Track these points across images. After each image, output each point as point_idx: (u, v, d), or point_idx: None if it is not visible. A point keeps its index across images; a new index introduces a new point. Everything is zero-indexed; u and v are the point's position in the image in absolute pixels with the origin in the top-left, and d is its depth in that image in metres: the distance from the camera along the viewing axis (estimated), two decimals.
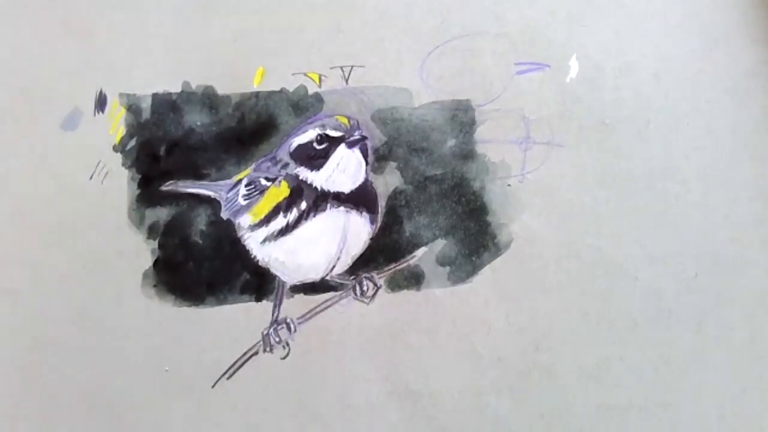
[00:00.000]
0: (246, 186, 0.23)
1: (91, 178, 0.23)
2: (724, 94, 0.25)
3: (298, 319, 0.23)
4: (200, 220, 0.23)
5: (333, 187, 0.23)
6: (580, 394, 0.23)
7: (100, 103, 0.23)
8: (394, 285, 0.23)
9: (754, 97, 0.25)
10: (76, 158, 0.23)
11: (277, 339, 0.23)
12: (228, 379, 0.22)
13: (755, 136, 0.25)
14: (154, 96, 0.23)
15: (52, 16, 0.23)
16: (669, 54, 0.25)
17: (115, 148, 0.23)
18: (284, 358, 0.23)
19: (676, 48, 0.25)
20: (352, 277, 0.23)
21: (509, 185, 0.24)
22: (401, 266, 0.23)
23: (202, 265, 0.23)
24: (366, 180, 0.23)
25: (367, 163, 0.23)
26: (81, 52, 0.23)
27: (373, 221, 0.23)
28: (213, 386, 0.22)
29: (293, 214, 0.23)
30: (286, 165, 0.23)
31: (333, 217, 0.23)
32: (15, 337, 0.23)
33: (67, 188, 0.23)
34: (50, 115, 0.23)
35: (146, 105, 0.23)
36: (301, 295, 0.23)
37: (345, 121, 0.23)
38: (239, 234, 0.23)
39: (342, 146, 0.23)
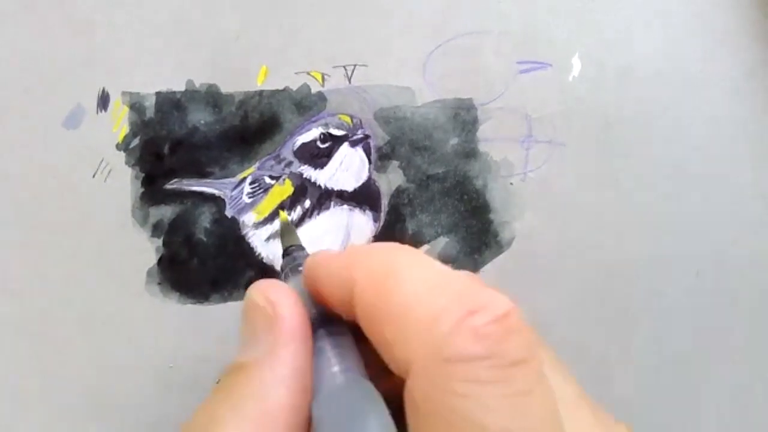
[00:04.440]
0: (250, 184, 0.24)
1: (93, 176, 0.24)
2: (727, 94, 0.26)
3: None
4: (204, 218, 0.24)
5: (336, 186, 0.24)
6: None
7: (103, 101, 0.24)
8: None
9: (757, 97, 0.26)
10: (79, 157, 0.24)
11: None
12: None
13: (758, 136, 0.26)
14: (158, 94, 0.24)
15: (54, 13, 0.24)
16: (672, 53, 0.26)
17: (118, 147, 0.24)
18: None
19: (679, 48, 0.26)
20: None
21: (511, 184, 0.25)
22: None
23: (206, 263, 0.24)
24: (369, 178, 0.25)
25: (369, 162, 0.25)
26: (83, 50, 0.24)
27: (376, 219, 0.25)
28: (217, 382, 0.24)
29: (297, 212, 0.24)
30: (290, 163, 0.24)
31: (336, 215, 0.24)
32: (17, 336, 0.24)
33: (70, 187, 0.24)
34: (52, 113, 0.24)
35: (150, 103, 0.24)
36: None
37: (348, 119, 0.25)
38: (243, 232, 0.24)
39: (345, 145, 0.24)
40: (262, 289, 0.15)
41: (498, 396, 0.11)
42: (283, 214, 0.24)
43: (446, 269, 0.13)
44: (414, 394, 0.12)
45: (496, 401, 0.11)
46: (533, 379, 0.11)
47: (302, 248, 0.20)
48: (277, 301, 0.15)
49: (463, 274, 0.14)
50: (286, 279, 0.18)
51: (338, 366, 0.14)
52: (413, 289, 0.13)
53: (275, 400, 0.14)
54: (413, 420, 0.12)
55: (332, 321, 0.15)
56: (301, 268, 0.17)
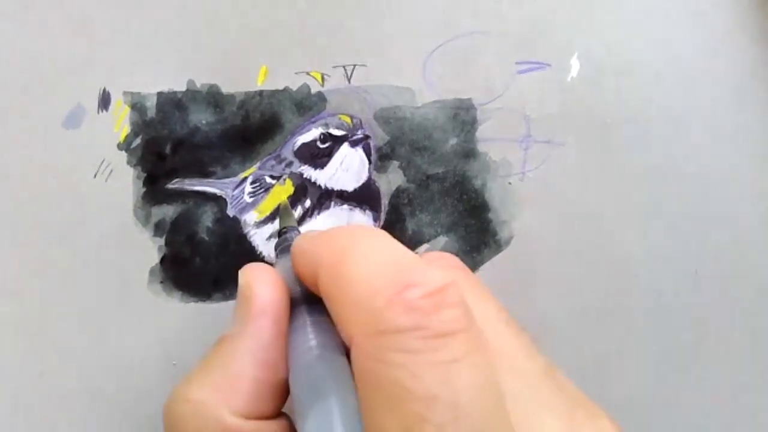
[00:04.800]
0: (251, 184, 0.25)
1: (94, 176, 0.25)
2: (726, 94, 0.26)
3: None
4: (206, 218, 0.25)
5: (336, 186, 0.25)
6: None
7: (104, 101, 0.25)
8: None
9: (757, 97, 0.26)
10: (79, 157, 0.24)
11: None
12: None
13: (758, 136, 0.26)
14: (159, 94, 0.25)
15: (54, 13, 0.25)
16: (671, 53, 0.26)
17: (119, 147, 0.25)
18: None
19: (678, 47, 0.26)
20: None
21: (510, 183, 0.26)
22: None
23: (208, 262, 0.25)
24: (369, 178, 0.25)
25: (370, 162, 0.25)
26: (83, 50, 0.25)
27: (376, 219, 0.25)
28: None
29: (298, 211, 0.25)
30: (290, 163, 0.25)
31: (337, 215, 0.25)
32: (18, 335, 0.24)
33: (71, 187, 0.24)
34: (52, 113, 0.24)
35: (151, 103, 0.25)
36: None
37: (348, 120, 0.25)
38: (245, 231, 0.25)
39: (345, 145, 0.25)
40: (244, 271, 0.17)
41: (425, 364, 0.12)
42: (285, 198, 0.25)
43: (401, 251, 0.14)
44: (355, 365, 0.13)
45: (423, 369, 0.12)
46: (463, 349, 0.12)
47: (296, 229, 0.20)
48: (253, 281, 0.16)
49: (413, 255, 0.14)
50: (277, 258, 0.19)
51: (315, 341, 0.15)
52: (361, 270, 0.14)
53: (238, 369, 0.15)
54: (358, 390, 0.13)
55: (316, 299, 0.16)
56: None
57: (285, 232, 0.21)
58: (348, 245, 0.14)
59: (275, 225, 0.25)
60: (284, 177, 0.25)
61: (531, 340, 0.16)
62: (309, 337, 0.15)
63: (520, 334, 0.16)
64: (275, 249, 0.20)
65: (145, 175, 0.25)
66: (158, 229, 0.25)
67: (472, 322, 0.13)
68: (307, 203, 0.25)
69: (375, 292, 0.13)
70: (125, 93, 0.25)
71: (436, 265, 0.17)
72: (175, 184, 0.25)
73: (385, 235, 0.15)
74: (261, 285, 0.16)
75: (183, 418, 0.15)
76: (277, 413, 0.16)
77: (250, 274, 0.17)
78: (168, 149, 0.25)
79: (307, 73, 0.25)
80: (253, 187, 0.25)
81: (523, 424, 0.13)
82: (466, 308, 0.13)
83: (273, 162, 0.25)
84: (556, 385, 0.15)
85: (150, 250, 0.25)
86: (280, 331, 0.16)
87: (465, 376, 0.12)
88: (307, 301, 0.16)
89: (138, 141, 0.25)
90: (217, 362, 0.16)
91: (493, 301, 0.16)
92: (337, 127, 0.25)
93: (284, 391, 0.16)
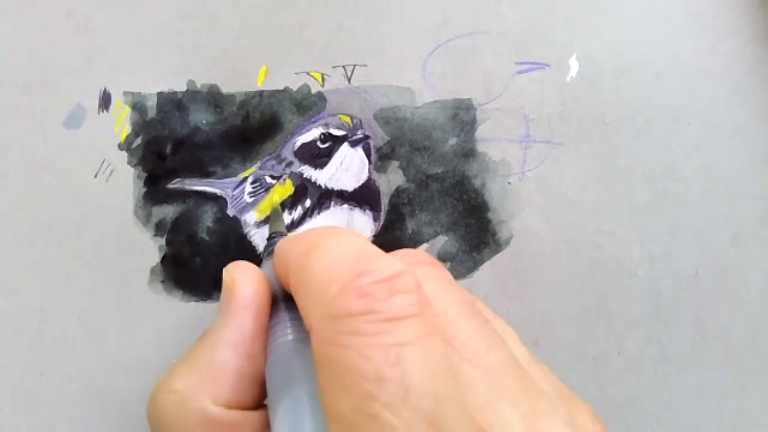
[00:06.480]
0: (251, 183, 0.25)
1: (95, 176, 0.25)
2: (725, 94, 0.26)
3: None
4: (207, 217, 0.26)
5: (336, 185, 0.26)
6: (578, 389, 0.25)
7: (104, 101, 0.25)
8: None
9: (756, 96, 0.26)
10: (80, 157, 0.25)
11: None
12: None
13: (757, 135, 0.27)
14: (160, 95, 0.25)
15: (54, 12, 0.25)
16: (670, 53, 0.26)
17: (120, 147, 0.25)
18: None
19: (677, 47, 0.26)
20: None
21: (509, 183, 0.26)
22: None
23: (209, 261, 0.25)
24: (369, 178, 0.26)
25: (370, 162, 0.26)
26: (84, 50, 0.25)
27: (376, 219, 0.26)
28: None
29: (298, 211, 0.25)
30: (290, 163, 0.26)
31: (337, 215, 0.25)
32: (19, 335, 0.25)
33: (71, 187, 0.25)
34: (53, 113, 0.25)
35: (152, 104, 0.25)
36: None
37: (348, 120, 0.26)
38: (245, 230, 0.26)
39: (345, 145, 0.26)
40: (229, 268, 0.18)
41: (374, 346, 0.12)
42: (277, 202, 0.25)
43: (362, 244, 0.15)
44: (313, 351, 0.14)
45: (373, 350, 0.12)
46: (415, 333, 0.13)
47: (284, 234, 0.22)
48: (237, 277, 0.17)
49: (374, 248, 0.15)
50: (264, 261, 0.20)
51: (291, 336, 0.16)
52: (322, 262, 0.14)
53: (220, 360, 0.16)
54: (317, 375, 0.13)
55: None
56: None
57: (273, 237, 0.22)
58: (314, 242, 0.15)
59: None
60: (284, 177, 0.26)
61: (493, 332, 0.16)
62: (287, 331, 0.16)
63: (482, 326, 0.16)
64: (263, 252, 0.21)
65: (145, 175, 0.25)
66: (159, 228, 0.25)
67: (425, 308, 0.13)
68: (307, 203, 0.26)
69: (331, 281, 0.14)
70: (126, 93, 0.25)
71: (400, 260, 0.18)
72: (175, 184, 0.25)
73: (351, 233, 0.16)
74: (244, 281, 0.17)
75: (166, 408, 0.16)
76: (259, 404, 0.17)
77: (234, 271, 0.18)
78: (168, 149, 0.26)
79: (307, 73, 0.26)
80: (253, 187, 0.25)
81: (479, 412, 0.14)
82: (420, 295, 0.13)
83: (273, 162, 0.26)
84: (520, 376, 0.15)
85: (150, 249, 0.25)
86: (261, 324, 0.17)
87: (415, 358, 0.12)
88: (287, 298, 0.17)
89: (138, 141, 0.26)
90: (200, 354, 0.17)
91: (458, 294, 0.17)
92: (337, 127, 0.26)
93: (265, 383, 0.16)
